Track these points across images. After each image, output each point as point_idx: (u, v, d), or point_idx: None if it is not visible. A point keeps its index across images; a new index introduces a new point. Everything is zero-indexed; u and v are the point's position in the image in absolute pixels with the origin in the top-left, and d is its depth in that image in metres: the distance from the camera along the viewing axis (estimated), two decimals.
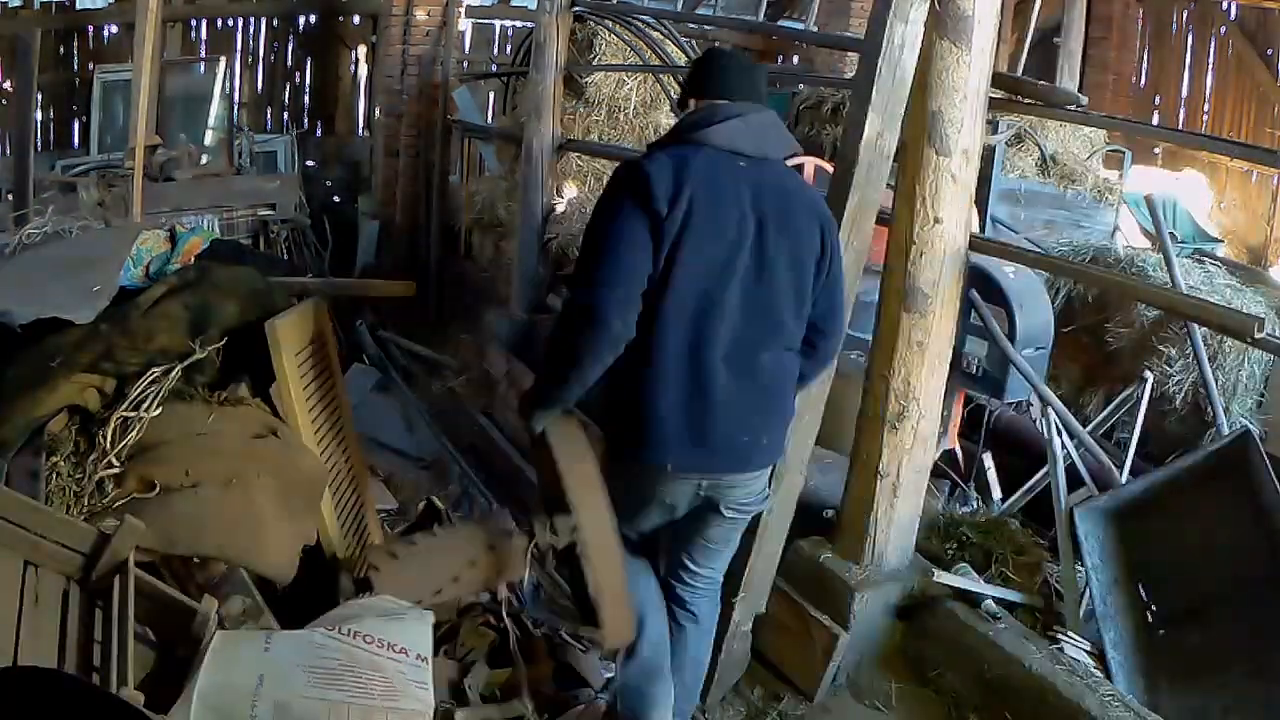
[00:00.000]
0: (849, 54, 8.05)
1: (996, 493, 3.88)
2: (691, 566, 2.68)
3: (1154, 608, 3.01)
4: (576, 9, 5.90)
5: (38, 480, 2.58)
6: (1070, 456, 3.37)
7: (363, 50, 9.38)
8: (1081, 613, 3.07)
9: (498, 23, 9.68)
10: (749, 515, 2.63)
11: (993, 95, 3.12)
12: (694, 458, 2.38)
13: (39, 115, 7.56)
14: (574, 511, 2.43)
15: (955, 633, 3.03)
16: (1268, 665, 2.70)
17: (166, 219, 5.37)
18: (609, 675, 3.03)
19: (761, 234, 2.33)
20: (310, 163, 9.20)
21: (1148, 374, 3.73)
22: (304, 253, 7.25)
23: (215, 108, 8.24)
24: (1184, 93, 10.33)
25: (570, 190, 6.19)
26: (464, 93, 7.75)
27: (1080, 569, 3.09)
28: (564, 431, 2.47)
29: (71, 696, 1.88)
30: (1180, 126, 9.96)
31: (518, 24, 9.52)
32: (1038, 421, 3.43)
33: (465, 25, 8.85)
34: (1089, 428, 3.68)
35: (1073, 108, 3.37)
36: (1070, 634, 2.98)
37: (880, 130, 2.89)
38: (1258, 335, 2.52)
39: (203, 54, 8.83)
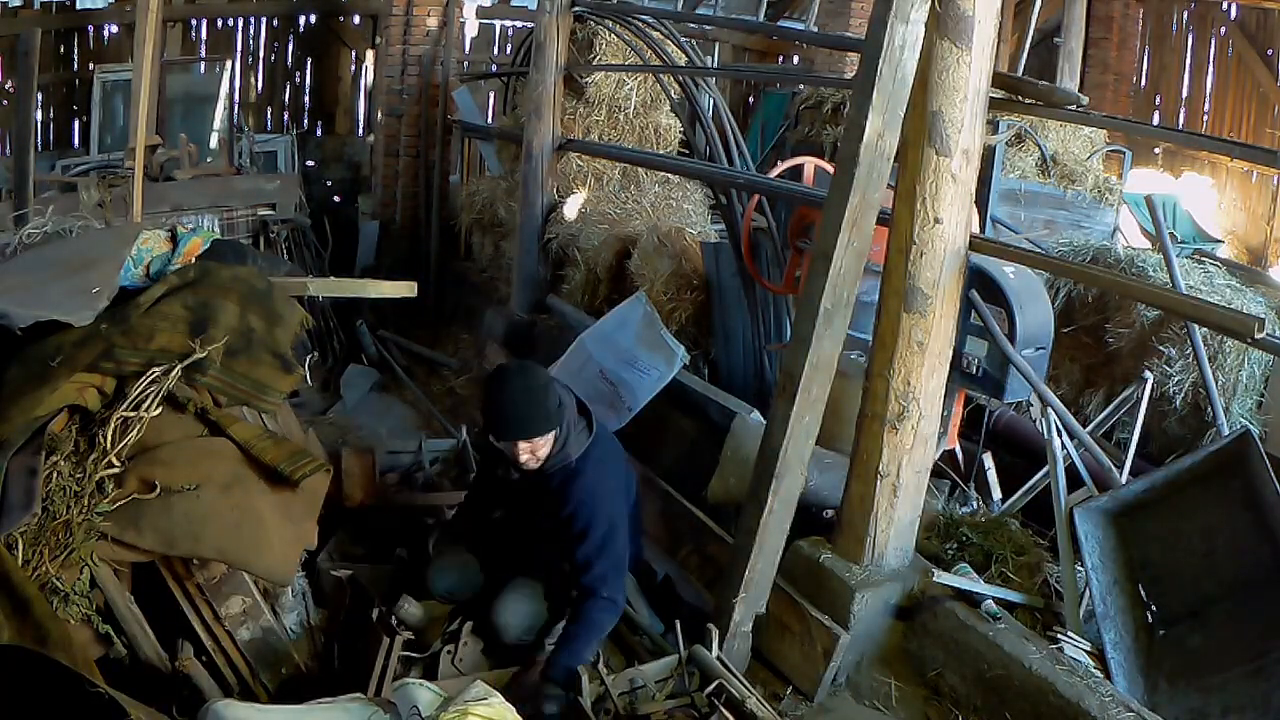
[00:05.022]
0: (849, 54, 8.06)
1: (996, 493, 3.87)
2: None
3: (1154, 608, 3.01)
4: (576, 9, 5.90)
5: (37, 479, 2.58)
6: (1070, 456, 3.36)
7: (370, 56, 9.37)
8: (1081, 613, 3.07)
9: (498, 23, 9.68)
10: None
11: (993, 95, 3.12)
12: None
13: (39, 115, 7.56)
14: None
15: (955, 633, 3.03)
16: (1268, 665, 2.70)
17: (166, 219, 5.37)
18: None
19: None
20: (310, 163, 9.20)
21: (1148, 374, 3.72)
22: (304, 253, 7.25)
23: (220, 108, 8.25)
24: (1184, 93, 10.33)
25: (579, 194, 6.18)
26: (464, 93, 7.75)
27: (1080, 569, 3.09)
28: None
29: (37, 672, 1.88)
30: (1180, 126, 9.97)
31: (518, 24, 9.52)
32: (1038, 421, 3.42)
33: (472, 27, 8.86)
34: (1089, 428, 3.67)
35: (1073, 108, 3.37)
36: (1070, 634, 2.98)
37: (880, 130, 2.88)
38: (1258, 335, 2.52)
39: (203, 54, 8.83)
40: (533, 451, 2.97)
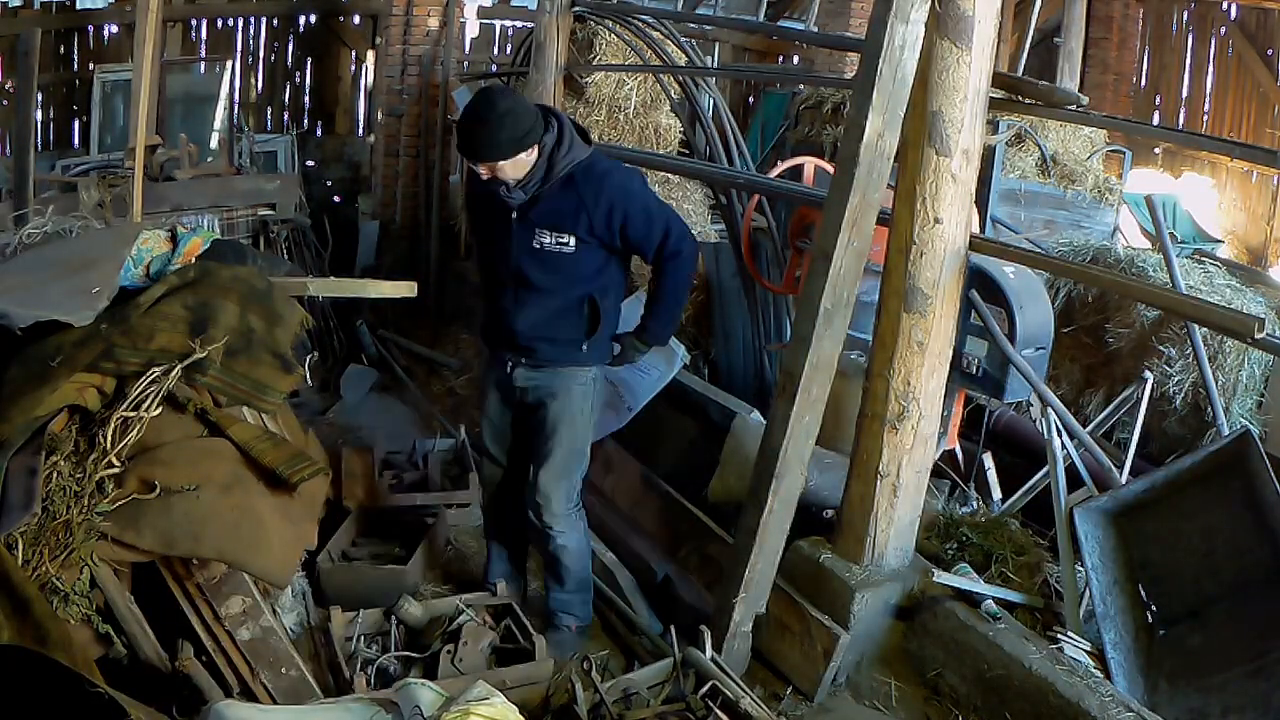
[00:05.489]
0: (849, 54, 8.06)
1: (996, 493, 3.87)
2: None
3: (1154, 608, 3.01)
4: (576, 9, 5.90)
5: (37, 479, 2.58)
6: (1070, 456, 3.37)
7: (370, 55, 9.38)
8: (1081, 613, 3.07)
9: (498, 23, 9.68)
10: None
11: (993, 95, 3.12)
12: None
13: (39, 115, 7.56)
14: None
15: (955, 633, 3.03)
16: (1268, 665, 2.70)
17: (166, 219, 5.36)
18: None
19: None
20: (310, 163, 9.20)
21: (1148, 374, 3.72)
22: (304, 253, 7.24)
23: (220, 108, 8.25)
24: (1184, 93, 10.34)
25: None
26: (464, 93, 7.74)
27: (1080, 569, 3.09)
28: None
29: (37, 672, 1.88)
30: (1180, 126, 9.98)
31: (518, 24, 9.53)
32: (1038, 421, 3.42)
33: (472, 27, 8.86)
34: (1089, 428, 3.68)
35: (1073, 108, 3.37)
36: (1070, 634, 2.98)
37: (880, 130, 2.88)
38: (1258, 335, 2.51)
39: (203, 54, 8.83)
40: (494, 173, 3.00)
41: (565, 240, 3.08)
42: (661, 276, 3.19)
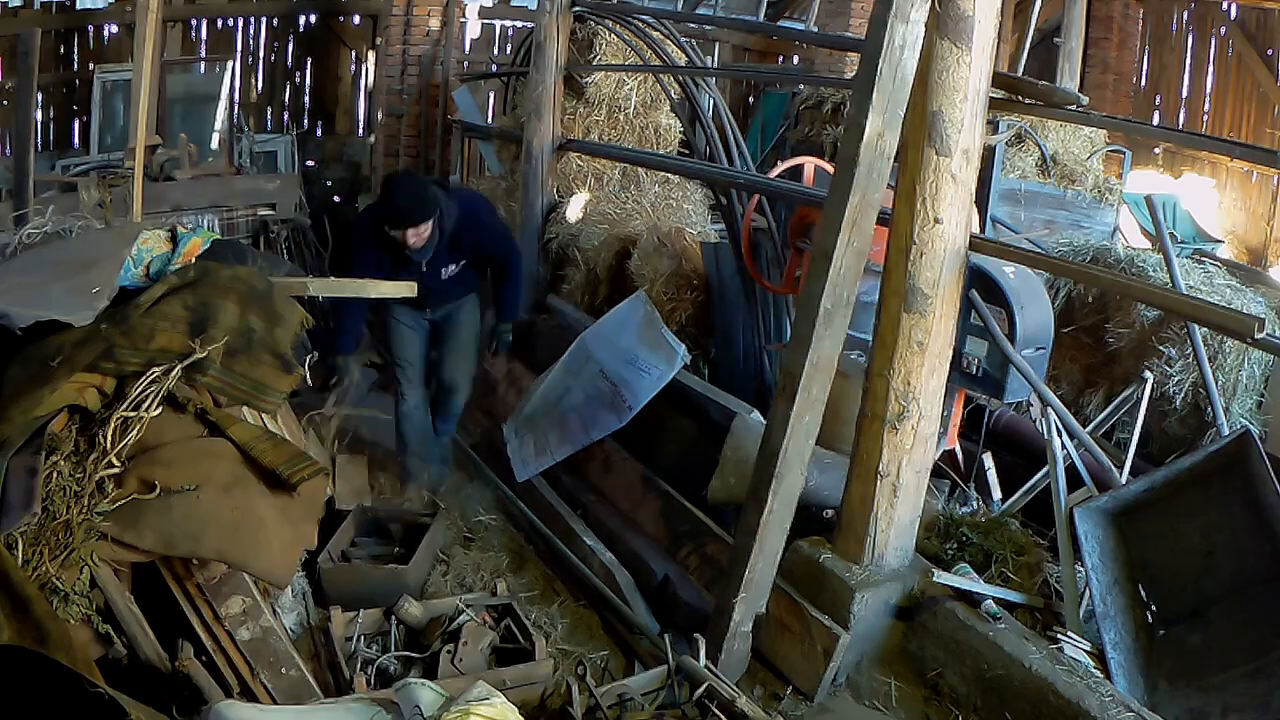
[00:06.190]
0: (849, 54, 8.06)
1: (996, 493, 3.87)
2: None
3: (1154, 608, 3.01)
4: (576, 9, 5.91)
5: (37, 479, 2.58)
6: (1070, 456, 3.37)
7: (370, 56, 9.38)
8: (1081, 613, 3.07)
9: (498, 23, 9.69)
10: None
11: (993, 95, 3.12)
12: None
13: (39, 115, 7.56)
14: None
15: (955, 633, 3.03)
16: (1268, 665, 2.70)
17: (166, 219, 5.37)
18: None
19: None
20: (310, 163, 9.20)
21: (1148, 374, 3.72)
22: (304, 253, 7.25)
23: (220, 108, 8.25)
24: (1184, 93, 10.33)
25: (581, 195, 6.17)
26: (464, 93, 7.75)
27: (1080, 569, 3.09)
28: None
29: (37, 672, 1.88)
30: (1180, 127, 9.98)
31: (518, 24, 9.53)
32: (1038, 421, 3.42)
33: (473, 27, 8.87)
34: (1089, 428, 3.67)
35: (1073, 108, 3.37)
36: (1070, 634, 2.98)
37: (880, 130, 2.88)
38: (1258, 335, 2.52)
39: (203, 54, 8.84)
40: (419, 235, 3.97)
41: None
42: (502, 275, 4.45)
